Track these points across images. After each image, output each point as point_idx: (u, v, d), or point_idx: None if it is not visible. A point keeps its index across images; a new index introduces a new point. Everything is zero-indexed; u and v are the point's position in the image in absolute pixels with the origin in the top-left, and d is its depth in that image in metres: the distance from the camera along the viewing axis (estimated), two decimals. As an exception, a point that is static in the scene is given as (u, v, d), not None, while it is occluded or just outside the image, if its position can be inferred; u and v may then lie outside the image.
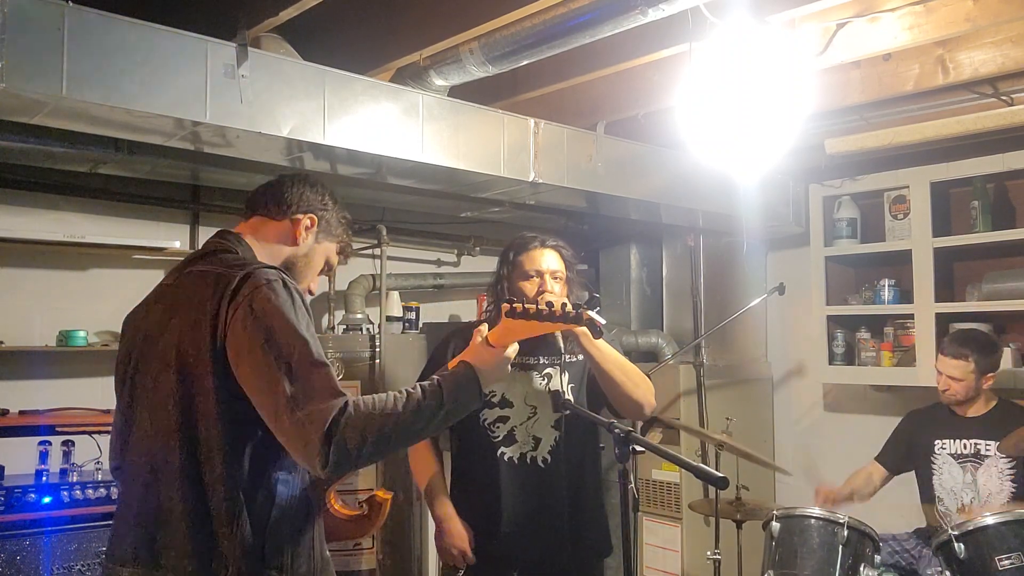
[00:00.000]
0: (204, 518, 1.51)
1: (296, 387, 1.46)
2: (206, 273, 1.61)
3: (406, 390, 1.58)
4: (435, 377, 1.64)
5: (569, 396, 2.44)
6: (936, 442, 3.32)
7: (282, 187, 1.81)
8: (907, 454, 3.43)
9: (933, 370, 3.40)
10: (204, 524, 1.51)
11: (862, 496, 3.44)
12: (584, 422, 2.40)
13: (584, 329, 2.20)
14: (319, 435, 1.43)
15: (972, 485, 3.20)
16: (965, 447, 3.24)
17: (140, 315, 1.72)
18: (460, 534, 2.41)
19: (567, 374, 2.48)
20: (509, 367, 1.76)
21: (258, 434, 1.53)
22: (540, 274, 2.45)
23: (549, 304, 1.65)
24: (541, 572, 2.41)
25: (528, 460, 2.41)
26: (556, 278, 2.46)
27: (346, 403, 1.47)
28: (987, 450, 3.19)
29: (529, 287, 2.44)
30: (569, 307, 1.66)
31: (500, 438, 2.43)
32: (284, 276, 1.59)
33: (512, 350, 1.74)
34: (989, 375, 3.21)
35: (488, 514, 2.42)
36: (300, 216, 1.78)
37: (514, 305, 1.67)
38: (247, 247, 1.73)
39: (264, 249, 1.75)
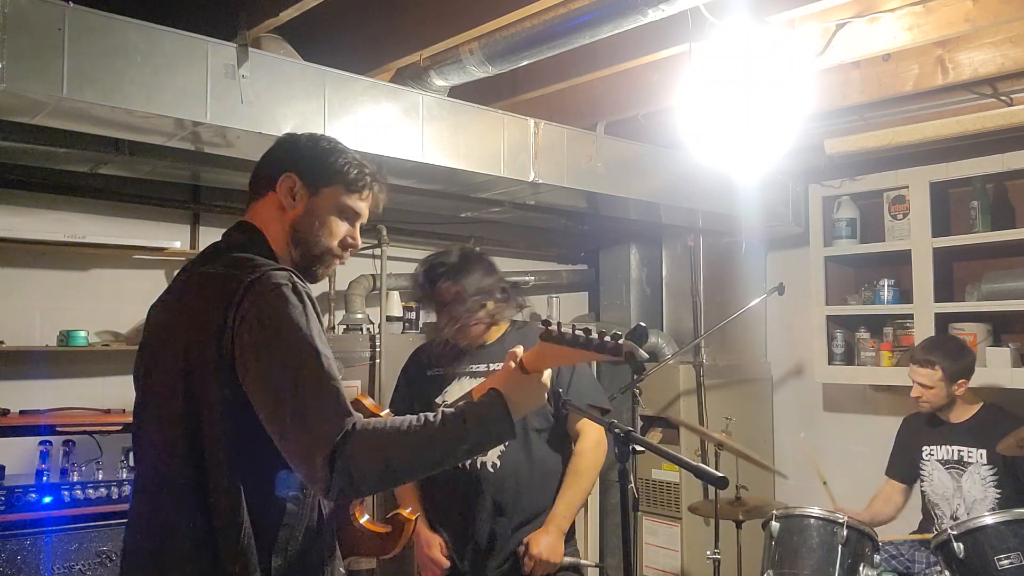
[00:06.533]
0: (208, 535, 1.44)
1: (302, 404, 1.38)
2: (213, 276, 1.52)
3: (424, 417, 1.44)
4: (461, 404, 1.50)
5: None
6: (924, 448, 3.30)
7: (257, 167, 1.69)
8: (907, 461, 3.41)
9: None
10: (208, 541, 1.44)
11: (887, 517, 3.41)
12: (526, 424, 2.44)
13: None
14: (323, 458, 1.34)
15: (959, 492, 3.18)
16: (950, 453, 3.22)
17: (159, 309, 1.63)
18: (428, 541, 2.48)
19: None
20: (545, 395, 1.59)
21: (269, 449, 1.42)
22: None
23: (587, 330, 1.47)
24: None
25: (479, 465, 2.44)
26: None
27: (354, 425, 1.38)
28: (970, 456, 3.16)
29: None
30: (608, 337, 1.45)
31: None
32: (295, 279, 1.48)
33: (547, 376, 1.57)
34: (961, 381, 3.14)
35: (448, 521, 2.49)
36: (279, 181, 1.61)
37: (549, 328, 1.51)
38: (261, 237, 1.62)
39: (271, 232, 1.63)
